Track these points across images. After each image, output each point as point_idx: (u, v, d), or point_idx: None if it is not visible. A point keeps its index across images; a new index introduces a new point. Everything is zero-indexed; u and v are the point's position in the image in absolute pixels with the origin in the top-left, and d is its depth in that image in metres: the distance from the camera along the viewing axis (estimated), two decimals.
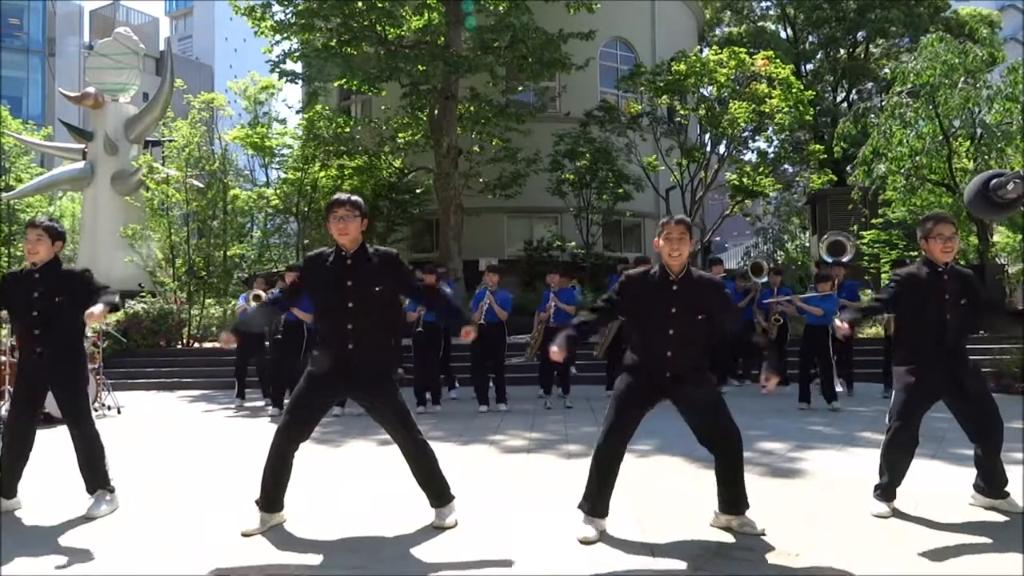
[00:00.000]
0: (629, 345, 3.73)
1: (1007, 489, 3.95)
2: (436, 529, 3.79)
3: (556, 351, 3.64)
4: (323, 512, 4.16)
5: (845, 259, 9.17)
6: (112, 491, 4.27)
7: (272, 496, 3.82)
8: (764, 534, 3.58)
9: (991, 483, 3.97)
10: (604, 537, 3.61)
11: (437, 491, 3.89)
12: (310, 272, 3.90)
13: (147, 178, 17.46)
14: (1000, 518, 3.85)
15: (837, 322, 3.93)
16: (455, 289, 9.20)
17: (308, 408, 3.79)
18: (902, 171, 13.48)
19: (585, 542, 3.52)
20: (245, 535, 3.72)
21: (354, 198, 3.84)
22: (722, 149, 20.10)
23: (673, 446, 5.61)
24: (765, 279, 9.09)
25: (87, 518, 4.06)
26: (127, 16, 63.72)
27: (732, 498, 3.66)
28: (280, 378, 8.50)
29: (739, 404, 8.99)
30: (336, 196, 3.87)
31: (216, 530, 3.87)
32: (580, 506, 3.69)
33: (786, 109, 18.24)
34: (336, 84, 18.21)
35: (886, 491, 3.99)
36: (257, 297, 8.90)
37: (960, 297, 3.92)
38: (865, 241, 15.97)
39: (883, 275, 12.95)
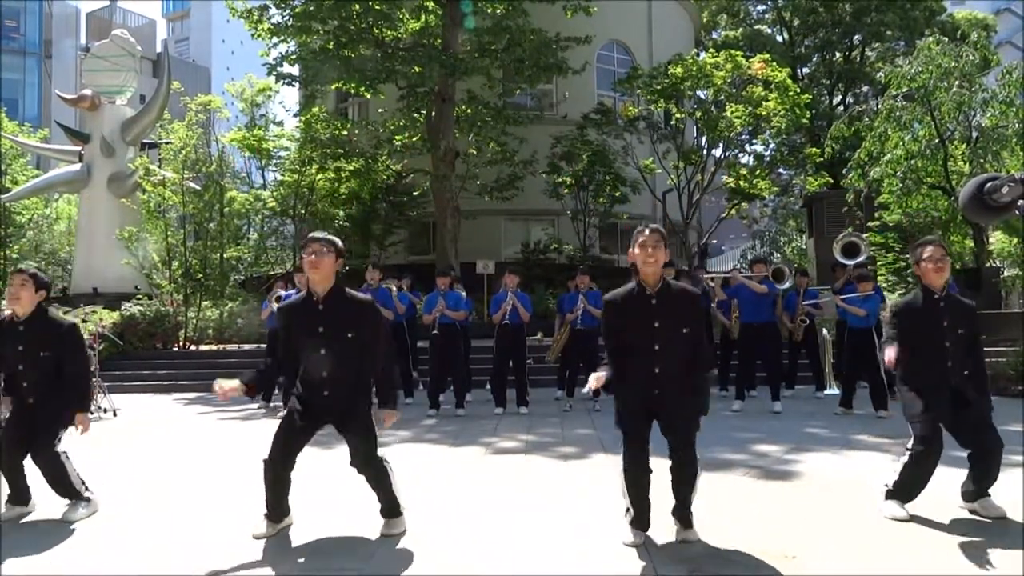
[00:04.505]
0: (616, 367, 3.61)
1: (989, 491, 3.97)
2: (387, 536, 3.75)
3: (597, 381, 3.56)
4: (318, 514, 4.16)
5: (860, 259, 9.14)
6: (87, 500, 4.26)
7: (277, 509, 3.82)
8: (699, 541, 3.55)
9: (978, 487, 3.97)
10: (601, 539, 3.63)
11: (388, 506, 3.85)
12: (286, 319, 3.81)
13: (144, 180, 17.45)
14: (999, 519, 3.85)
15: (889, 354, 3.97)
16: (464, 297, 9.09)
17: (291, 440, 3.75)
18: (898, 174, 13.51)
19: (632, 545, 3.52)
20: (257, 538, 3.72)
21: (330, 237, 3.77)
22: (719, 152, 20.15)
23: None
24: (787, 284, 9.00)
25: (64, 522, 4.07)
26: (124, 18, 63.72)
27: (680, 510, 3.62)
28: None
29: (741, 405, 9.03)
30: (312, 234, 3.81)
31: (214, 531, 3.87)
32: (626, 515, 3.65)
33: (782, 112, 18.28)
34: (333, 86, 18.24)
35: (904, 495, 3.97)
36: (279, 298, 8.91)
37: (959, 326, 3.94)
38: None
39: (879, 278, 12.93)
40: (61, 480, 4.22)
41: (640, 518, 3.59)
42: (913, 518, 3.90)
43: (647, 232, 3.59)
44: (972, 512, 3.99)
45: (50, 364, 4.18)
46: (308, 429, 3.80)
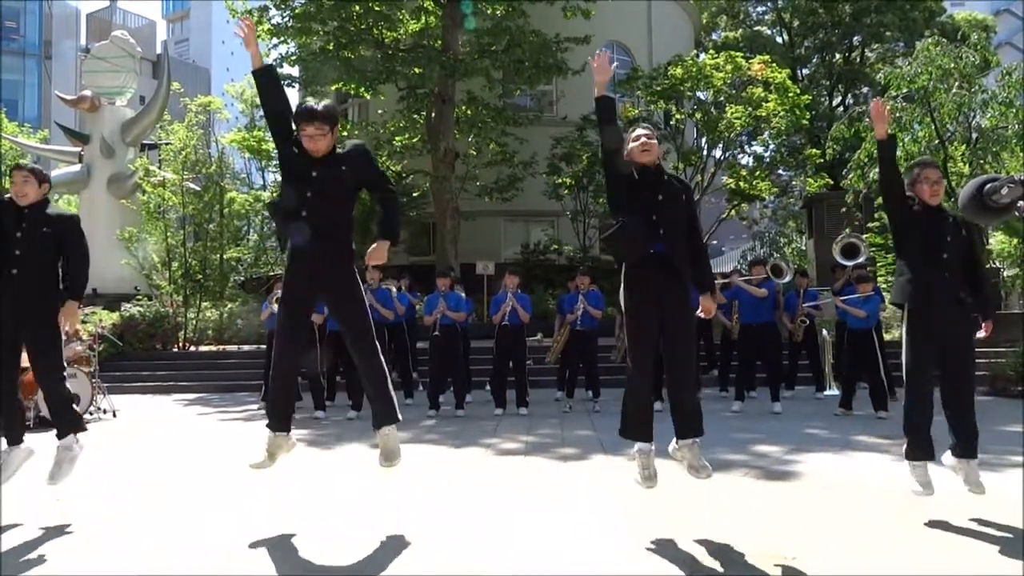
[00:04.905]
0: (621, 251, 3.78)
1: (976, 452, 3.98)
2: (386, 456, 3.86)
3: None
4: (317, 514, 4.16)
5: (859, 260, 9.14)
6: (83, 430, 4.22)
7: (283, 415, 3.83)
8: (710, 475, 3.72)
9: (961, 442, 3.97)
10: (601, 539, 3.63)
11: (381, 410, 3.87)
12: (291, 148, 3.77)
13: (143, 181, 17.46)
14: (999, 521, 3.85)
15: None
16: (465, 298, 9.11)
17: (292, 327, 3.82)
18: None
19: (644, 473, 3.73)
20: (255, 467, 3.82)
21: (326, 108, 3.70)
22: (718, 153, 20.15)
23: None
24: (787, 278, 9.01)
25: (51, 479, 4.08)
26: (124, 19, 63.65)
27: (683, 424, 3.73)
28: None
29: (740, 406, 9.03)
30: (307, 106, 3.70)
31: (214, 531, 3.87)
32: (621, 433, 3.80)
33: (782, 113, 18.29)
34: (333, 87, 18.23)
35: (913, 451, 3.98)
36: (279, 299, 8.88)
37: (958, 233, 3.98)
38: None
39: (878, 279, 12.92)
40: (63, 407, 4.14)
41: (632, 427, 3.72)
42: (912, 520, 3.90)
43: (639, 127, 3.87)
44: (957, 471, 4.00)
45: (49, 244, 4.09)
46: (304, 304, 3.90)
